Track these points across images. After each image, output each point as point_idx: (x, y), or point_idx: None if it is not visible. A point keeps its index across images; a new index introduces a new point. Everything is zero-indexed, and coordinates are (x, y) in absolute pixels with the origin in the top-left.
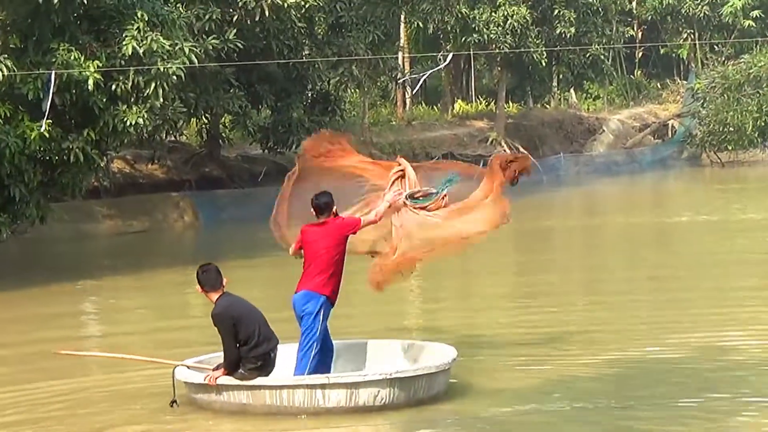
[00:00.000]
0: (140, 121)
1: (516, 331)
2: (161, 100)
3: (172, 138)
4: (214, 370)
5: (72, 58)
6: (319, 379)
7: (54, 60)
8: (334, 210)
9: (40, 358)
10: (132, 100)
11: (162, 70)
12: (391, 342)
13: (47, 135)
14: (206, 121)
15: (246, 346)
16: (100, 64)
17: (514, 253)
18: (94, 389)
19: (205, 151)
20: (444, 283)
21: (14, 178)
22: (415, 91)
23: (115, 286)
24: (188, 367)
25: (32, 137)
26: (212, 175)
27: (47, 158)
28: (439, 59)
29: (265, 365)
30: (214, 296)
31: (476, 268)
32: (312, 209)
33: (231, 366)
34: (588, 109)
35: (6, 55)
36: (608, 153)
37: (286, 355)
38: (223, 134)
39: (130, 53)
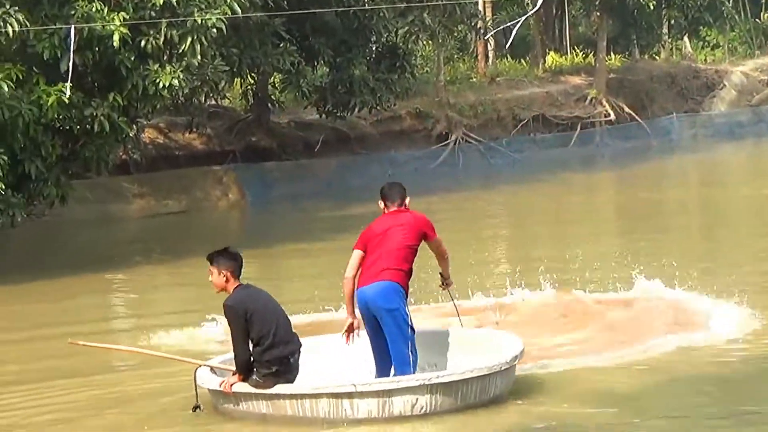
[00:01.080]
0: (175, 82)
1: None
2: (199, 57)
3: (213, 102)
4: (233, 374)
5: (94, 9)
6: (344, 387)
7: (73, 12)
8: (407, 202)
9: (53, 355)
10: (165, 58)
11: (199, 22)
12: (448, 330)
13: (67, 101)
14: (252, 81)
15: (259, 347)
16: (127, 17)
17: (615, 234)
18: (108, 388)
19: (251, 116)
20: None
21: (29, 152)
22: (499, 43)
23: (148, 278)
24: (211, 368)
25: (49, 104)
26: (260, 145)
27: (67, 128)
28: (527, 4)
29: (283, 371)
30: (232, 286)
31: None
32: (381, 200)
33: (242, 368)
34: (705, 60)
35: (17, 8)
36: (730, 112)
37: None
38: (272, 97)
39: (161, 3)
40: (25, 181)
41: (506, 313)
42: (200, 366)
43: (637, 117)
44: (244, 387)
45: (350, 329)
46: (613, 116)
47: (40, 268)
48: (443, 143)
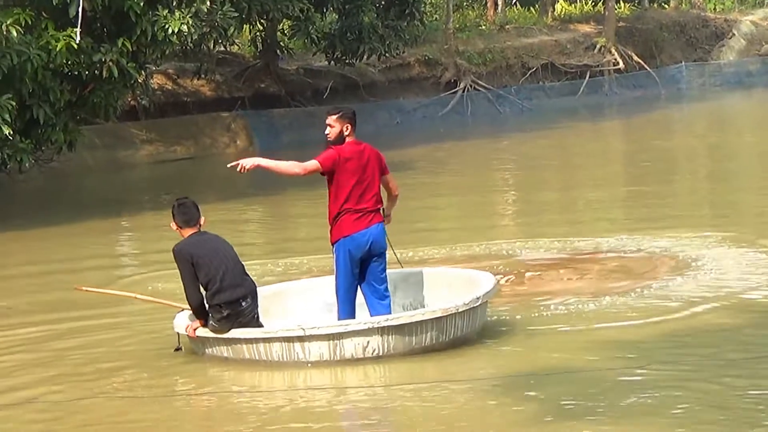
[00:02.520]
0: (184, 28)
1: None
2: (208, 3)
3: (222, 48)
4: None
5: None
6: (294, 331)
7: None
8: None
9: (56, 305)
10: (174, 3)
11: None
12: (434, 270)
13: (76, 46)
14: (261, 28)
15: (208, 292)
16: None
17: (622, 182)
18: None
19: (260, 63)
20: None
21: (38, 97)
22: None
23: (154, 223)
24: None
25: (58, 49)
26: (268, 92)
27: (76, 74)
28: None
29: (235, 315)
30: (187, 234)
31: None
32: (346, 124)
33: (196, 311)
34: (714, 9)
35: None
36: (739, 61)
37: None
38: (281, 43)
39: None
40: (34, 126)
41: (509, 265)
42: (180, 311)
43: (645, 66)
44: (205, 332)
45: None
46: (621, 65)
47: (47, 213)
48: (452, 91)
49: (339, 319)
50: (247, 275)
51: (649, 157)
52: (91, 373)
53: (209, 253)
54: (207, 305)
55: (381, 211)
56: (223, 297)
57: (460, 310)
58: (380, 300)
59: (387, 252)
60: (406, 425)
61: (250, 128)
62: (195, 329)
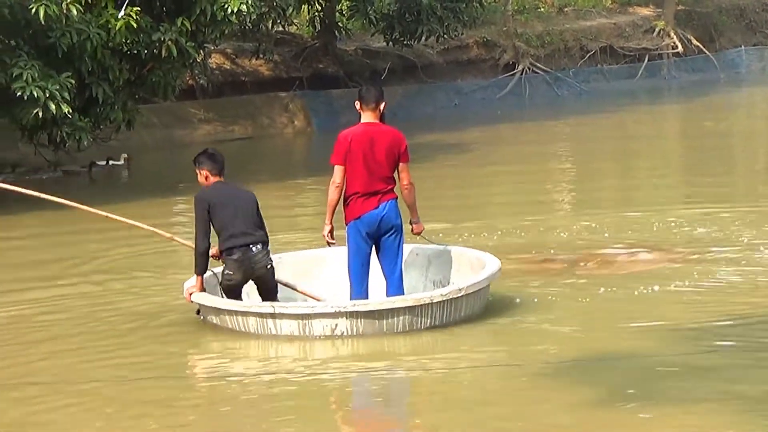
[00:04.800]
0: (243, 7)
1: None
2: None
3: (280, 28)
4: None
5: None
6: (266, 308)
7: None
8: (381, 107)
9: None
10: None
11: None
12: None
13: (135, 25)
14: (320, 8)
15: (221, 237)
16: None
17: (680, 170)
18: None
19: (318, 43)
20: None
21: (97, 76)
22: None
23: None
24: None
25: (117, 28)
26: (327, 72)
27: (135, 53)
28: None
29: (246, 260)
30: (212, 182)
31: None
32: (358, 102)
33: (199, 257)
34: None
35: None
36: None
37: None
38: (339, 24)
39: None
40: (92, 105)
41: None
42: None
43: (704, 49)
44: (203, 298)
45: (332, 231)
46: (680, 48)
47: (104, 192)
48: (510, 73)
49: (351, 299)
50: (263, 229)
51: (712, 141)
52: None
53: (226, 201)
54: (221, 252)
55: (394, 191)
56: (236, 241)
57: (434, 300)
58: (391, 275)
59: (403, 230)
60: (463, 408)
61: (307, 109)
62: (191, 294)
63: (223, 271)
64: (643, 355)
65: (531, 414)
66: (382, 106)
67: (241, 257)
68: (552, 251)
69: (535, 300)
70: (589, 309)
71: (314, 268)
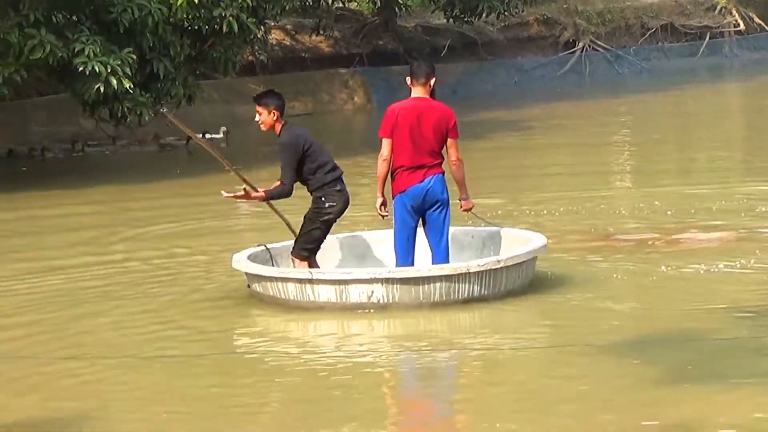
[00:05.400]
0: None
1: None
2: None
3: (340, 4)
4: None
5: None
6: (304, 274)
7: None
8: (432, 83)
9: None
10: None
11: None
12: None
13: (196, 1)
14: None
15: (321, 172)
16: None
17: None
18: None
19: (378, 20)
20: None
21: (158, 51)
22: None
23: (272, 178)
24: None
25: (179, 4)
26: (387, 49)
27: (196, 28)
28: None
29: (343, 188)
30: (279, 124)
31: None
32: (409, 77)
33: (280, 195)
34: None
35: None
36: None
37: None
38: (399, 0)
39: None
40: (153, 80)
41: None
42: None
43: (766, 27)
44: (248, 266)
45: (384, 203)
46: (742, 26)
47: (163, 168)
48: (570, 51)
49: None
50: None
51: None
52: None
53: (315, 141)
54: (321, 187)
55: (441, 166)
56: (336, 174)
57: (471, 270)
58: (437, 248)
59: (449, 204)
60: (532, 390)
61: (367, 85)
62: (236, 194)
63: (322, 206)
64: (705, 335)
65: (588, 393)
66: (432, 81)
67: (343, 188)
68: (612, 229)
69: (595, 277)
70: (650, 287)
71: (372, 249)
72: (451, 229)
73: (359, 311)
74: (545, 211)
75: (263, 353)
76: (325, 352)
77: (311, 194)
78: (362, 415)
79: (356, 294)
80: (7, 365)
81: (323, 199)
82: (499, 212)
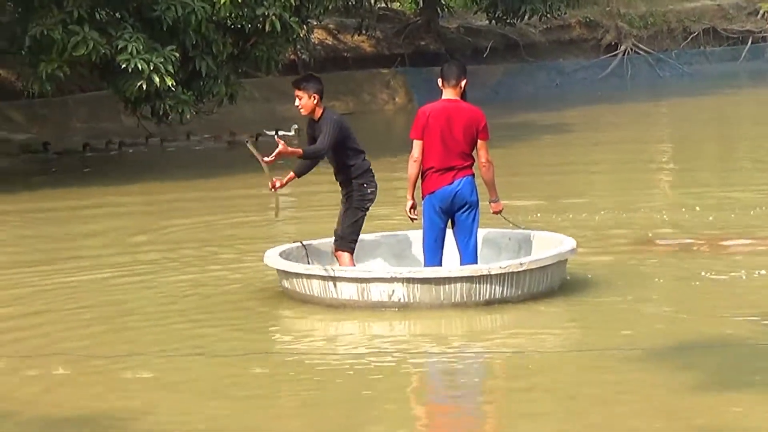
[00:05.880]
0: None
1: None
2: None
3: (383, 4)
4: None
5: None
6: (327, 271)
7: None
8: (462, 84)
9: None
10: None
11: None
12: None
13: (239, 0)
14: None
15: (359, 159)
16: None
17: None
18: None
19: (420, 20)
20: None
21: (201, 49)
22: None
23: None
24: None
25: (222, 2)
26: (428, 49)
27: (239, 27)
28: None
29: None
30: (320, 108)
31: None
32: (440, 78)
33: (312, 152)
34: None
35: None
36: None
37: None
38: (441, 1)
39: None
40: (196, 78)
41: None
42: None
43: None
44: (278, 262)
45: (414, 206)
46: None
47: (205, 166)
48: (612, 53)
49: None
50: None
51: None
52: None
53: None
54: (364, 173)
55: (471, 168)
56: (369, 162)
57: (492, 272)
58: (465, 249)
59: (478, 206)
60: (566, 394)
61: (409, 85)
62: (286, 152)
63: (365, 192)
64: (744, 341)
65: (620, 398)
66: (463, 83)
67: (373, 177)
68: (651, 233)
69: (633, 281)
70: (690, 292)
71: (412, 249)
72: (489, 231)
73: (383, 309)
74: (584, 214)
75: (295, 353)
76: (356, 352)
77: (351, 182)
78: (390, 417)
79: (377, 293)
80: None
81: (365, 185)
82: (538, 214)
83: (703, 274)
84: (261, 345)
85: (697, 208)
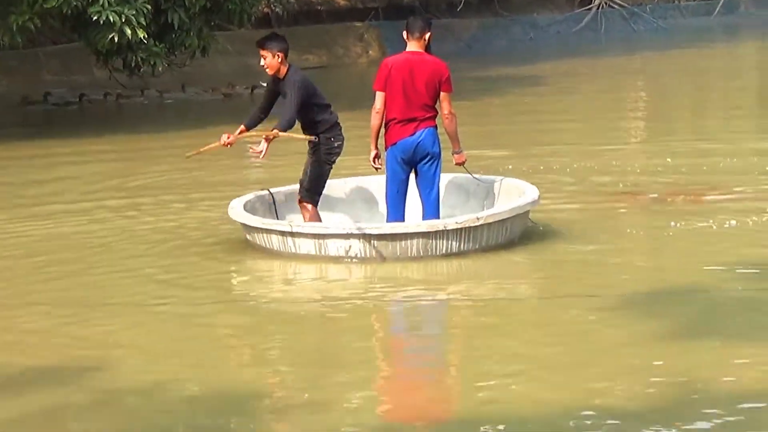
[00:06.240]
0: None
1: None
2: None
3: None
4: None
5: None
6: (284, 226)
7: None
8: (426, 37)
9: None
10: None
11: None
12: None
13: None
14: None
15: (326, 113)
16: None
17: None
18: None
19: None
20: None
21: (173, 2)
22: None
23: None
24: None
25: None
26: (403, 3)
27: None
28: None
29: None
30: (285, 67)
31: None
32: (405, 31)
33: (285, 128)
34: None
35: None
36: None
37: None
38: None
39: None
40: (168, 31)
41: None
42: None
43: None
44: (246, 218)
45: (377, 156)
46: None
47: (177, 122)
48: (586, 7)
49: (387, 221)
50: None
51: None
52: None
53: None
54: (331, 128)
55: (433, 119)
56: (336, 115)
57: (448, 227)
58: (427, 200)
59: (440, 157)
60: (526, 339)
61: (382, 39)
62: (270, 137)
63: (332, 145)
64: (714, 290)
65: (588, 346)
66: (427, 36)
67: (341, 131)
68: (621, 185)
69: (604, 232)
70: (661, 243)
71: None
72: (457, 176)
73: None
74: (556, 166)
75: (259, 302)
76: (318, 300)
77: (318, 136)
78: (356, 364)
79: (334, 248)
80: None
81: (332, 139)
82: (510, 166)
83: (674, 224)
84: (225, 295)
85: (669, 160)
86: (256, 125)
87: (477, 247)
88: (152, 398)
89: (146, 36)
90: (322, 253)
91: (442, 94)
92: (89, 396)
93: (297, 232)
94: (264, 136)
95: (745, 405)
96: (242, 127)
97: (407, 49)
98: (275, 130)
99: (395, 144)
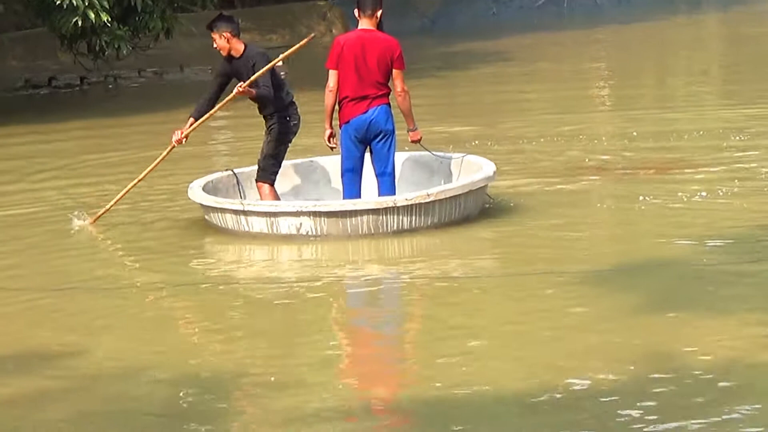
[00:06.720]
0: None
1: None
2: None
3: None
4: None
5: None
6: (237, 205)
7: None
8: (378, 14)
9: None
10: None
11: None
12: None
13: None
14: None
15: (282, 92)
16: None
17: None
18: None
19: None
20: None
21: None
22: None
23: (248, 114)
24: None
25: None
26: None
27: None
28: None
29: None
30: (238, 44)
31: None
32: (356, 9)
33: (265, 95)
34: None
35: None
36: None
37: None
38: None
39: None
40: (131, 13)
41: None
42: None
43: None
44: (201, 197)
45: (332, 135)
46: None
47: (141, 105)
48: None
49: (343, 198)
50: None
51: (750, 49)
52: None
53: None
54: (287, 107)
55: (386, 97)
56: (292, 95)
57: (398, 204)
58: (381, 176)
59: (394, 134)
60: (490, 317)
61: (346, 17)
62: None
63: (288, 124)
64: (681, 262)
65: (552, 321)
66: (378, 13)
67: (299, 117)
68: (588, 159)
69: (571, 206)
70: (628, 216)
71: (330, 176)
72: (422, 155)
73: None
74: (522, 140)
75: (220, 283)
76: (278, 280)
77: (274, 115)
78: (315, 342)
79: (286, 226)
80: None
81: (288, 118)
82: (476, 142)
83: (641, 198)
84: (184, 278)
85: (635, 133)
86: (205, 113)
87: (429, 223)
88: (117, 384)
89: (110, 19)
90: (274, 231)
91: (394, 71)
92: (52, 383)
93: (249, 211)
94: (233, 93)
95: (716, 379)
96: (191, 119)
97: (359, 26)
98: (245, 86)
99: (348, 122)
